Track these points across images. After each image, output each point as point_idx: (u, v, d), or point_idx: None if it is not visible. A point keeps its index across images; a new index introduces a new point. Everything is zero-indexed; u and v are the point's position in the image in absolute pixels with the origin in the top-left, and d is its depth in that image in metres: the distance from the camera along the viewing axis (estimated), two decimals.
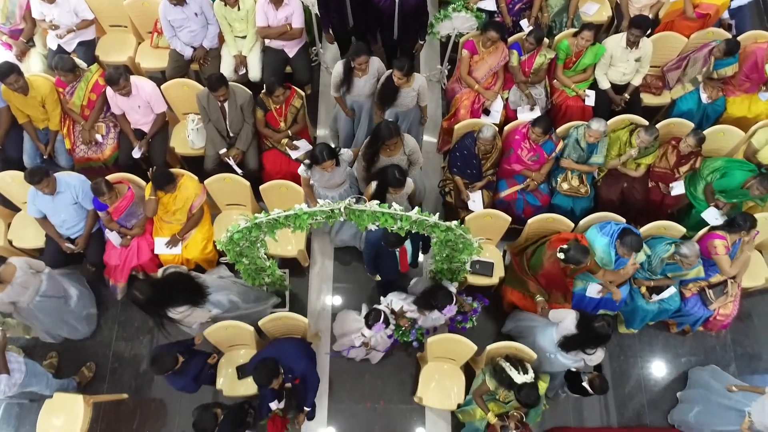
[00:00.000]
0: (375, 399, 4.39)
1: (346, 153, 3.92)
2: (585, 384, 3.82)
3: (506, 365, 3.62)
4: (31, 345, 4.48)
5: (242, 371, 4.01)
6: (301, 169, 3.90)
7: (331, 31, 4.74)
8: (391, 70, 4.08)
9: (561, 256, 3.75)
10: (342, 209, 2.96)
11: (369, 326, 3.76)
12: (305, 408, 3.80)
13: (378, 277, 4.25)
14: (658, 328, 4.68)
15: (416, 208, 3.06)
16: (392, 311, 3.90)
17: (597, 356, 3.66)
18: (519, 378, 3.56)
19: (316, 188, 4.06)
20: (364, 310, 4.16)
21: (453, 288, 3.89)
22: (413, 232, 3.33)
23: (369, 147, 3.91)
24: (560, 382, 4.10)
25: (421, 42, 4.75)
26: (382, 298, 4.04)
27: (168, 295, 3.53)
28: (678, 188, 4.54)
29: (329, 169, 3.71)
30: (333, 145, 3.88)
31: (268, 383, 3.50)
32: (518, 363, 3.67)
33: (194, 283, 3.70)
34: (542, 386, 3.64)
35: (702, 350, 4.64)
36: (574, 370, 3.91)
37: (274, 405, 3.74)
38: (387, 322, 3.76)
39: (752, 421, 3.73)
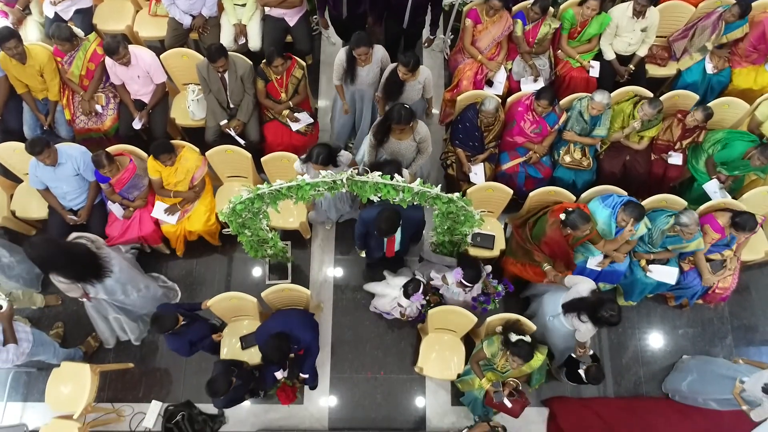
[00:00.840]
0: (376, 370, 4.46)
1: (345, 156, 3.84)
2: (581, 371, 3.90)
3: (510, 333, 3.67)
4: (37, 315, 4.53)
5: (246, 341, 4.07)
6: (297, 164, 3.85)
7: (326, 16, 4.62)
8: (396, 64, 3.98)
9: (563, 217, 3.77)
10: (344, 180, 2.96)
11: (408, 296, 3.79)
12: (301, 374, 3.88)
13: (363, 254, 4.27)
14: (656, 301, 4.72)
15: (418, 180, 3.06)
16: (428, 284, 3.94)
17: (586, 329, 3.65)
18: (515, 338, 3.63)
19: None
20: (390, 278, 4.18)
21: (488, 269, 3.95)
22: (404, 223, 3.43)
23: (381, 125, 3.89)
24: (561, 364, 4.18)
25: (432, 37, 4.61)
26: (416, 271, 4.11)
27: (60, 262, 3.38)
28: (676, 158, 4.52)
29: (321, 171, 3.63)
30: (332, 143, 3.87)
31: (280, 361, 3.57)
32: (519, 333, 3.70)
33: (95, 263, 3.55)
34: (540, 358, 3.69)
35: (699, 322, 4.70)
36: (574, 356, 3.97)
37: (279, 374, 3.82)
38: (426, 293, 3.79)
39: (744, 388, 3.80)
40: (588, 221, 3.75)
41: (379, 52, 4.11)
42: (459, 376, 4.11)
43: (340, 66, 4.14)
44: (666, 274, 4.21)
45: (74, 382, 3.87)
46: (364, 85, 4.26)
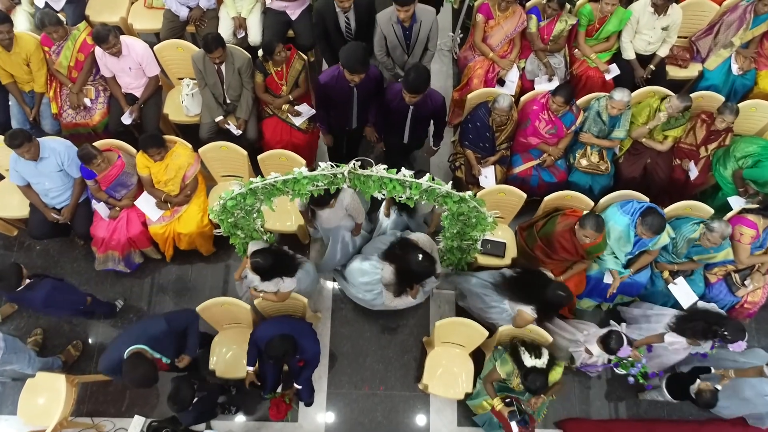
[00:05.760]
0: (376, 385, 4.18)
1: (287, 282, 3.36)
2: (693, 388, 3.57)
3: (521, 348, 3.40)
4: (15, 322, 4.25)
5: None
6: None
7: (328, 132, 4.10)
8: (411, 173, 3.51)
9: (584, 212, 3.56)
10: (346, 174, 2.68)
11: (612, 351, 3.37)
12: (295, 385, 3.61)
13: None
14: None
15: (427, 175, 2.79)
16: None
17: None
18: (529, 362, 3.35)
19: None
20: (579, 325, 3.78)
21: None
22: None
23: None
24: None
25: (435, 148, 4.11)
26: (612, 321, 3.77)
27: None
28: (694, 171, 4.29)
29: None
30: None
31: (278, 357, 3.31)
32: (532, 347, 3.44)
33: None
34: (558, 371, 3.42)
35: None
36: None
37: (251, 369, 3.55)
38: (630, 343, 3.40)
39: None
40: (599, 232, 3.51)
41: (346, 199, 3.55)
42: (467, 395, 3.81)
43: (301, 202, 3.60)
44: (686, 294, 3.92)
45: (49, 394, 3.59)
46: (329, 225, 3.75)
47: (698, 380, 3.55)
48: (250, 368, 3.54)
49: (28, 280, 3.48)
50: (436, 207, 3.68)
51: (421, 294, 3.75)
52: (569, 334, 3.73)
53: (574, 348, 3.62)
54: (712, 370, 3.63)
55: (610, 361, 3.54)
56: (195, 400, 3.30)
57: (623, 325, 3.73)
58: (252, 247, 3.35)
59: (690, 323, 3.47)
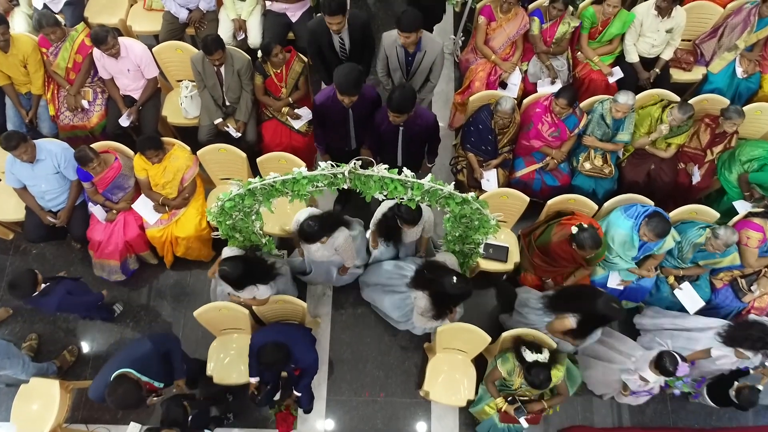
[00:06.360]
0: (376, 391, 4.10)
1: (261, 290, 3.28)
2: (732, 392, 3.49)
3: (522, 347, 3.36)
4: (10, 327, 4.18)
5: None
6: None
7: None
8: (391, 204, 3.38)
9: (575, 230, 3.44)
10: (346, 173, 2.63)
11: (671, 372, 3.22)
12: (295, 392, 3.53)
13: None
14: None
15: (429, 176, 2.73)
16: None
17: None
18: (531, 357, 3.30)
19: None
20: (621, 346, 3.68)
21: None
22: None
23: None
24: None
25: (429, 165, 4.00)
26: (658, 339, 3.71)
27: None
28: (696, 176, 4.24)
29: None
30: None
31: (270, 367, 3.23)
32: (534, 346, 3.39)
33: None
34: (560, 370, 3.35)
35: None
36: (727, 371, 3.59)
37: (254, 380, 3.45)
38: (684, 359, 3.27)
39: None
40: (597, 248, 3.41)
41: (339, 240, 3.41)
42: (469, 403, 3.73)
43: (294, 227, 3.44)
44: (691, 299, 3.87)
45: (43, 400, 3.52)
46: (315, 258, 3.65)
47: (736, 383, 3.48)
48: (253, 380, 3.44)
49: (43, 285, 3.43)
50: (426, 225, 3.60)
51: (460, 312, 3.65)
52: (618, 364, 3.63)
53: (627, 376, 3.51)
54: (751, 371, 3.55)
55: (666, 383, 3.43)
56: (190, 418, 3.24)
57: (668, 342, 3.62)
58: (226, 253, 3.25)
59: (743, 331, 3.38)
